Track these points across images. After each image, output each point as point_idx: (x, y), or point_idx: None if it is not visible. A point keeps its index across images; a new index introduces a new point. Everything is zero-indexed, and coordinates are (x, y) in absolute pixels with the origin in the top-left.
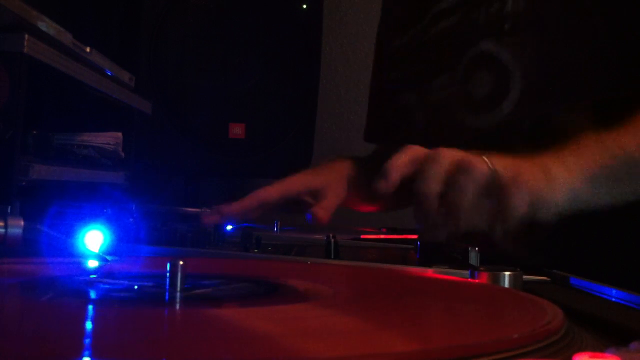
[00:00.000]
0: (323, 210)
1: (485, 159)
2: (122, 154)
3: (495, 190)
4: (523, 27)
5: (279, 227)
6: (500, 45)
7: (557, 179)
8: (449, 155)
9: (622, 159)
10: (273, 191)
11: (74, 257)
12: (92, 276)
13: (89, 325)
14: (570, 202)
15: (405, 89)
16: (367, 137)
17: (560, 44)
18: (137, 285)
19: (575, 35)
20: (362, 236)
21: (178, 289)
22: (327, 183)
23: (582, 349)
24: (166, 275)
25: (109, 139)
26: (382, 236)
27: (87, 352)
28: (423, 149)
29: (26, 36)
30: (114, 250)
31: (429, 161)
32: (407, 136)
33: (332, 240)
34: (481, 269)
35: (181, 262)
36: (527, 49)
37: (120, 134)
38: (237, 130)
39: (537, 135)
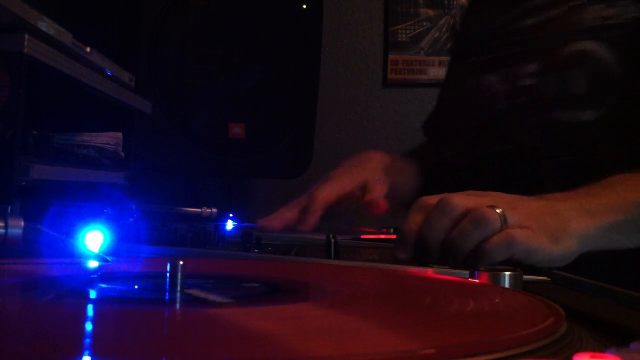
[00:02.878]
0: (380, 198)
1: (498, 211)
2: (122, 154)
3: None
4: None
5: None
6: (601, 46)
7: (576, 231)
8: (458, 204)
9: None
10: (329, 192)
11: (74, 257)
12: (92, 276)
13: (89, 325)
14: (585, 248)
15: (488, 71)
16: (426, 127)
17: None
18: (137, 285)
19: None
20: (362, 236)
21: (178, 289)
22: (372, 176)
23: (582, 349)
24: (166, 275)
25: (109, 139)
26: (382, 236)
27: (87, 352)
28: (431, 198)
29: (26, 36)
30: (114, 251)
31: (437, 211)
32: (489, 118)
33: (332, 240)
34: (481, 269)
35: (181, 262)
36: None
37: (120, 134)
38: (237, 130)
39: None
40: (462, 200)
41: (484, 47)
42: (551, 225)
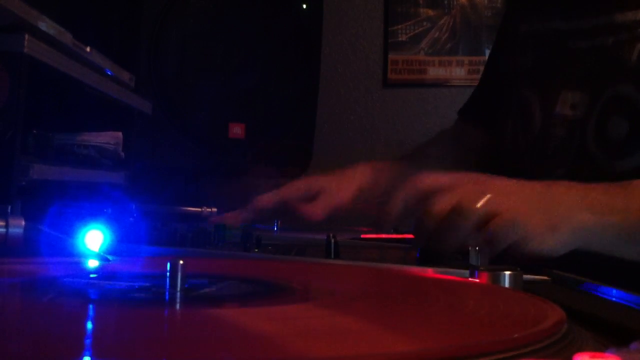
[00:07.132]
0: (313, 209)
1: (482, 201)
2: (122, 154)
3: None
4: None
5: (279, 227)
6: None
7: (576, 223)
8: (438, 209)
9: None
10: (269, 199)
11: (74, 257)
12: (92, 276)
13: (89, 325)
14: (579, 243)
15: (527, 85)
16: (463, 112)
17: None
18: (137, 285)
19: None
20: (362, 235)
21: (178, 289)
22: (325, 186)
23: (582, 349)
24: (166, 275)
25: (109, 139)
26: (382, 235)
27: (87, 352)
28: (428, 181)
29: (26, 36)
30: (114, 250)
31: (434, 198)
32: (522, 131)
33: (332, 240)
34: (481, 268)
35: (181, 262)
36: None
37: (120, 134)
38: (237, 130)
39: None
40: (443, 200)
41: (527, 51)
42: (551, 212)
